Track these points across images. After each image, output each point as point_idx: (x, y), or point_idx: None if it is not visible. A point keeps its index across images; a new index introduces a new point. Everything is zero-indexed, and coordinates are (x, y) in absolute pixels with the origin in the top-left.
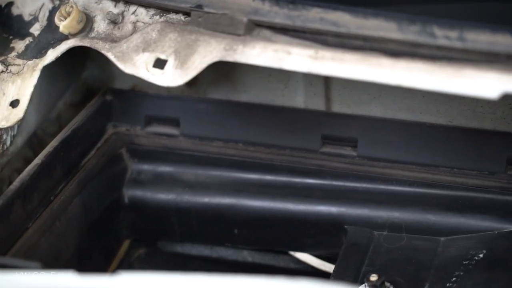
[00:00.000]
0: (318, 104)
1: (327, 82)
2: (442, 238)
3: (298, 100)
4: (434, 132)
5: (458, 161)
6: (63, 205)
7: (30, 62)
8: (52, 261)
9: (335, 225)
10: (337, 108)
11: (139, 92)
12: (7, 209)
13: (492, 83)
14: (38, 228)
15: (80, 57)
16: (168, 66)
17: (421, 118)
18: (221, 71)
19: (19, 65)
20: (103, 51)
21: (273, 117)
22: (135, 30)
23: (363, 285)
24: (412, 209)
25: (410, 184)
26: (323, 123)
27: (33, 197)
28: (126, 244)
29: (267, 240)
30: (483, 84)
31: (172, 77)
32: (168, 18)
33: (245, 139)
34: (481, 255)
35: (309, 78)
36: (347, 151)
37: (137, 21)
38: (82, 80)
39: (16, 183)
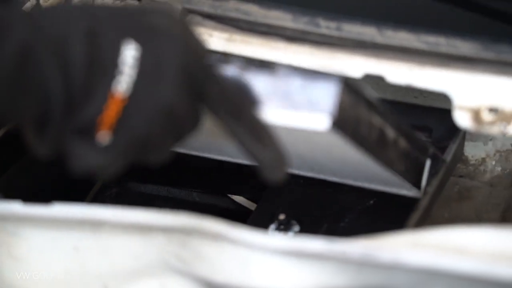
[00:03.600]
0: None
1: None
2: (346, 187)
3: None
4: None
5: None
6: None
7: None
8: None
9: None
10: None
11: None
12: None
13: (357, 65)
14: (18, 169)
15: None
16: None
17: None
18: None
19: None
20: None
21: None
22: None
23: (274, 223)
24: None
25: None
26: None
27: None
28: (99, 184)
29: (209, 185)
30: (350, 66)
31: None
32: (126, 3)
33: None
34: (371, 202)
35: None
36: None
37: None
38: None
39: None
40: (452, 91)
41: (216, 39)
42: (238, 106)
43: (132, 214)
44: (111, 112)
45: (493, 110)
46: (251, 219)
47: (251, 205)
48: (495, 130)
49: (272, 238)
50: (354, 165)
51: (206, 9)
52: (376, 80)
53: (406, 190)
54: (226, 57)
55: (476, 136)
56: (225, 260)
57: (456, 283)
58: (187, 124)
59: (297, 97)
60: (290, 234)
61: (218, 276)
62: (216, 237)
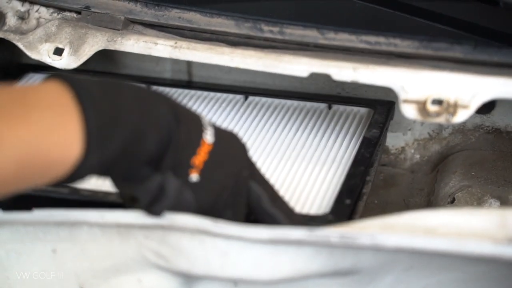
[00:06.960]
0: (182, 78)
1: (189, 62)
2: None
3: (167, 75)
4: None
5: None
6: None
7: None
8: None
9: None
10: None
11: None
12: None
13: (303, 65)
14: None
15: None
16: (64, 53)
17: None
18: (108, 54)
19: None
20: (14, 41)
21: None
22: (38, 24)
23: None
24: None
25: None
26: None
27: None
28: None
29: None
30: (297, 66)
31: (68, 61)
32: (64, 16)
33: None
34: None
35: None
36: None
37: (40, 17)
38: None
39: None
40: (396, 86)
41: (161, 47)
42: (274, 192)
43: (111, 214)
44: (203, 155)
45: (437, 101)
46: None
47: None
48: (441, 119)
49: (253, 229)
50: None
51: (149, 18)
52: None
53: None
54: None
55: (396, 127)
56: (204, 252)
57: (417, 261)
58: (243, 195)
59: None
60: None
61: (197, 269)
62: (196, 231)
